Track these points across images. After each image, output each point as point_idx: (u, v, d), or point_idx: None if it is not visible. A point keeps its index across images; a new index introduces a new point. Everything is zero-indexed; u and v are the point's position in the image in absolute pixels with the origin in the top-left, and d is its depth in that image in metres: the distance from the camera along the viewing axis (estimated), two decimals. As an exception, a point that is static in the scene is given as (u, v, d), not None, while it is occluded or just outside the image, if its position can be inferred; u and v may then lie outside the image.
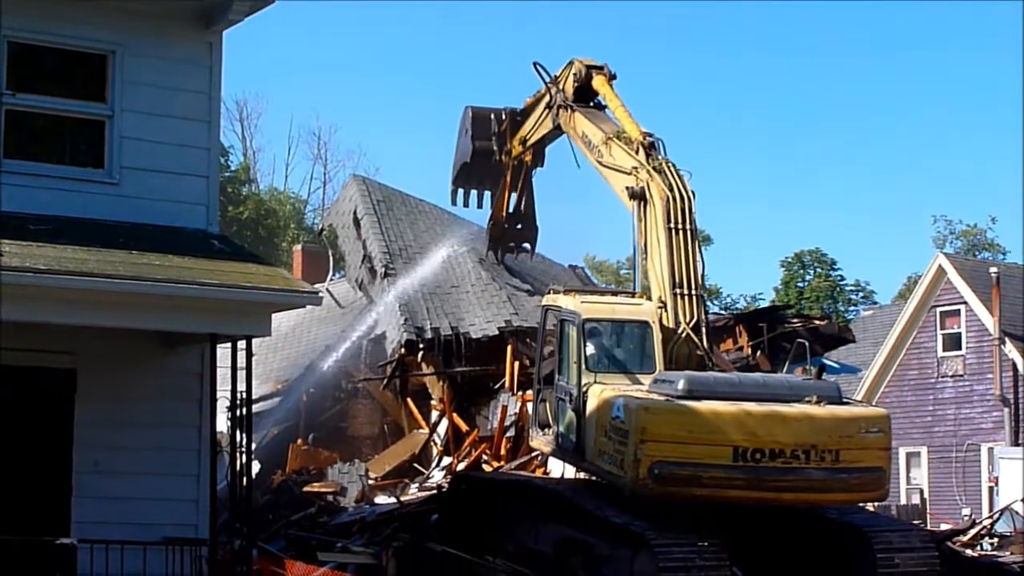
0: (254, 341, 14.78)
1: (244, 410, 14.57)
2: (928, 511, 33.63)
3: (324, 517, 23.04)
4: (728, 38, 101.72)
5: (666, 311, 18.52)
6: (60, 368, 14.50)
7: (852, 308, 67.58)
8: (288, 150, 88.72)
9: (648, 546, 15.92)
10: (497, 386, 27.69)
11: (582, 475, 19.22)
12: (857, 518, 17.65)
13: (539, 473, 23.40)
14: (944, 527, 26.84)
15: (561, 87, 23.48)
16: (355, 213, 32.92)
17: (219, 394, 15.27)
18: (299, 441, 28.50)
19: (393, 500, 23.23)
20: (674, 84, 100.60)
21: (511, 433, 25.65)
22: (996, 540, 24.14)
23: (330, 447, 28.64)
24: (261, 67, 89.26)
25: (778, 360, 28.18)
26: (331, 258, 39.46)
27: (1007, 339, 35.81)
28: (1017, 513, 27.17)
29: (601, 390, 17.49)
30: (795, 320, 32.55)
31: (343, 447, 28.93)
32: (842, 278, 70.04)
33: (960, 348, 37.49)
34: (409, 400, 28.83)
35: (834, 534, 17.39)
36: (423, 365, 28.72)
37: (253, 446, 15.97)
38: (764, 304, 64.97)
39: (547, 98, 24.17)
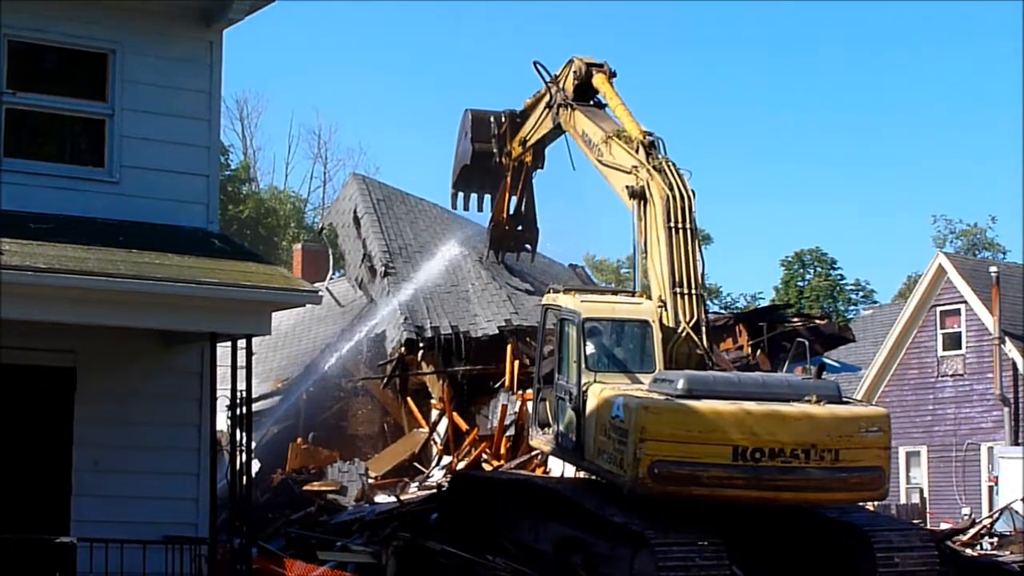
0: (254, 340, 14.79)
1: (244, 409, 14.58)
2: (928, 510, 33.63)
3: (324, 516, 23.03)
4: (728, 37, 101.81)
5: (666, 310, 18.52)
6: (60, 367, 14.51)
7: (852, 307, 67.63)
8: (288, 149, 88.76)
9: (648, 545, 15.94)
10: (497, 385, 27.70)
11: (582, 474, 19.22)
12: (857, 517, 17.66)
13: (539, 472, 23.40)
14: (944, 526, 26.83)
15: (561, 86, 23.49)
16: (355, 212, 32.93)
17: (219, 393, 15.28)
18: (299, 440, 28.50)
19: (393, 499, 23.23)
20: (674, 83, 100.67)
21: (511, 432, 25.65)
22: (996, 539, 24.15)
23: (330, 446, 28.64)
24: (261, 66, 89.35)
25: (778, 359, 28.19)
26: (331, 257, 39.46)
27: (1007, 338, 35.82)
28: (1017, 512, 27.19)
29: (601, 389, 17.49)
30: (795, 319, 32.57)
31: (343, 446, 28.93)
32: (842, 277, 70.10)
33: (960, 347, 37.50)
34: (409, 399, 28.83)
35: (834, 533, 17.40)
36: (423, 364, 28.73)
37: (253, 445, 15.98)
38: (764, 303, 64.99)
39: (547, 98, 24.18)
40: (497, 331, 28.23)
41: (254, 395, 17.39)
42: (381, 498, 24.60)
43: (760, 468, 16.30)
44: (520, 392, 26.15)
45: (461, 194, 29.77)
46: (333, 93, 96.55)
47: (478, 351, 28.23)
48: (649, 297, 19.00)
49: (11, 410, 14.29)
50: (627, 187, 19.87)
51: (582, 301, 18.68)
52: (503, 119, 26.57)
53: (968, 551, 21.80)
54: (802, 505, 17.28)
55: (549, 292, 20.10)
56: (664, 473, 16.18)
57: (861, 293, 70.32)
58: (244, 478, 14.77)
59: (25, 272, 12.75)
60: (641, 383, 17.60)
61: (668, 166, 19.73)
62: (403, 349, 28.46)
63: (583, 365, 17.93)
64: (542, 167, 27.11)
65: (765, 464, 16.31)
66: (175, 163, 15.30)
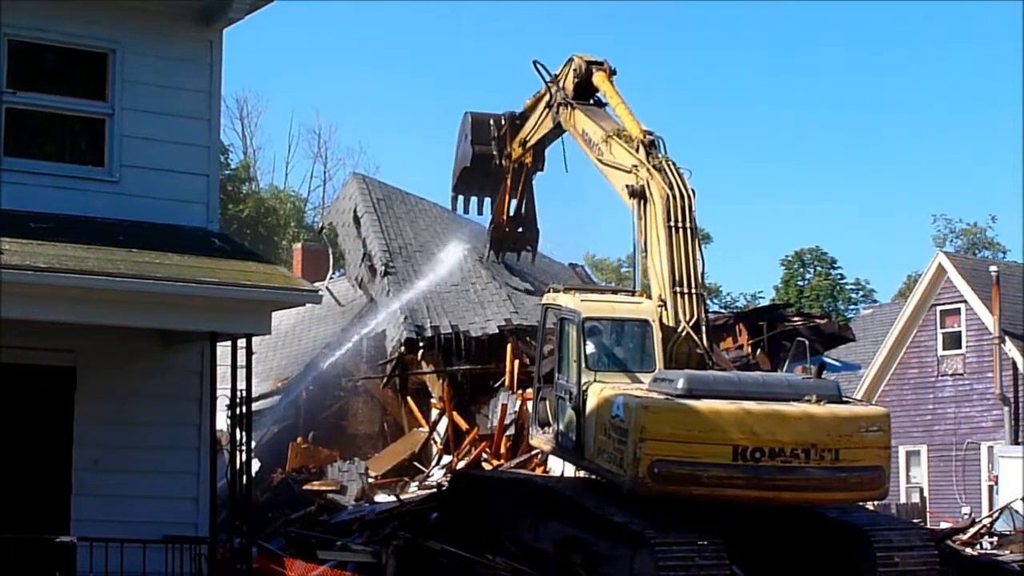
0: (254, 339, 14.79)
1: (244, 408, 14.58)
2: (928, 510, 33.61)
3: (324, 515, 23.04)
4: (728, 37, 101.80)
5: (666, 310, 18.52)
6: (60, 366, 14.51)
7: (852, 307, 67.63)
8: (288, 148, 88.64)
9: (648, 545, 15.93)
10: (497, 384, 27.70)
11: (582, 474, 19.22)
12: (857, 517, 17.66)
13: (539, 472, 23.40)
14: (944, 526, 26.82)
15: (561, 85, 23.48)
16: (355, 211, 32.93)
17: (219, 392, 15.29)
18: (299, 439, 28.51)
19: (393, 498, 23.23)
20: (674, 83, 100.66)
21: (511, 431, 25.66)
22: (996, 539, 24.14)
23: (330, 445, 28.65)
24: (261, 65, 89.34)
25: (778, 359, 28.20)
26: (331, 256, 39.47)
27: (1007, 338, 35.81)
28: (1017, 512, 27.18)
29: (601, 389, 17.49)
30: (795, 318, 32.57)
31: (343, 445, 28.94)
32: (842, 276, 70.09)
33: (960, 347, 37.49)
34: (409, 398, 28.84)
35: (834, 533, 17.40)
36: (423, 363, 28.73)
37: (253, 444, 15.98)
38: (764, 303, 65.00)
39: (547, 97, 24.18)
40: (497, 330, 28.23)
41: (254, 394, 17.38)
42: (381, 497, 24.60)
43: (760, 468, 16.29)
44: (520, 391, 26.15)
45: (461, 197, 29.88)
46: (333, 92, 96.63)
47: (478, 350, 28.24)
48: (649, 296, 19.00)
49: (11, 410, 14.30)
50: (627, 186, 19.87)
51: (582, 300, 18.67)
52: (503, 121, 26.59)
53: (968, 550, 21.80)
54: (802, 505, 17.27)
55: (549, 291, 20.10)
56: (664, 473, 16.17)
57: (861, 292, 70.37)
58: (244, 477, 14.77)
59: (25, 271, 12.75)
60: (641, 382, 17.59)
61: (668, 165, 19.73)
62: (403, 348, 28.47)
63: (583, 364, 17.92)
64: (542, 169, 27.12)
65: (765, 464, 16.31)
66: (175, 162, 15.30)
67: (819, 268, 69.83)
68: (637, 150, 20.17)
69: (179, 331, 14.45)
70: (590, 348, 18.18)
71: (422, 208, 33.71)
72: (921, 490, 36.91)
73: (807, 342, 22.69)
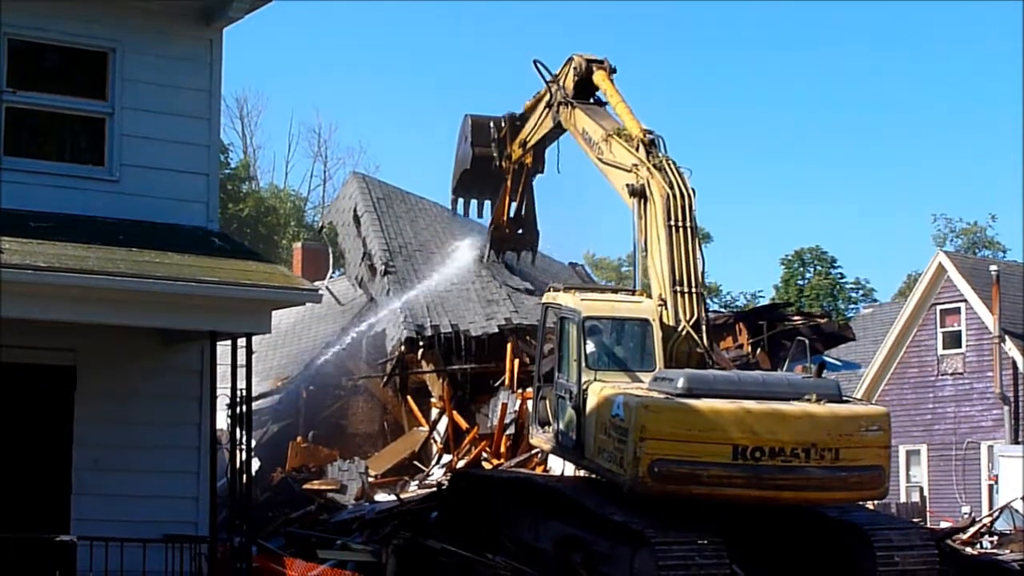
0: (254, 338, 14.79)
1: (244, 407, 14.58)
2: (928, 509, 33.62)
3: (324, 514, 23.04)
4: (728, 37, 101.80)
5: (666, 309, 18.51)
6: (60, 365, 14.51)
7: (852, 306, 67.62)
8: (288, 147, 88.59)
9: (648, 544, 15.93)
10: (497, 384, 27.71)
11: (582, 473, 19.21)
12: (857, 516, 17.65)
13: (539, 471, 23.40)
14: (944, 525, 26.80)
15: (561, 84, 23.49)
16: (355, 211, 32.93)
17: (219, 391, 15.29)
18: (299, 439, 28.52)
19: (393, 498, 23.23)
20: (674, 82, 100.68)
21: (511, 431, 25.66)
22: (996, 538, 24.13)
23: (330, 444, 28.65)
24: (261, 64, 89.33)
25: (778, 358, 28.20)
26: (331, 256, 39.47)
27: (1007, 337, 35.81)
28: (1017, 511, 27.17)
29: (601, 388, 17.48)
30: (796, 317, 32.57)
31: (343, 444, 28.94)
32: (842, 276, 70.09)
33: (960, 346, 37.49)
34: (409, 398, 28.84)
35: (834, 532, 17.39)
36: (423, 363, 28.74)
37: (253, 443, 15.97)
38: (764, 302, 64.98)
39: (547, 97, 24.19)
40: (497, 330, 28.24)
41: (254, 394, 17.38)
42: (381, 496, 24.60)
43: (760, 467, 16.29)
44: (520, 390, 26.16)
45: (461, 200, 29.97)
46: (333, 92, 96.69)
47: (478, 350, 28.25)
48: (649, 296, 18.99)
49: (11, 409, 14.30)
50: (627, 185, 19.87)
51: (582, 300, 18.66)
52: (503, 123, 26.62)
53: (968, 550, 21.79)
54: (802, 504, 17.27)
55: (549, 290, 20.09)
56: (664, 472, 16.16)
57: (861, 292, 70.37)
58: (244, 477, 14.77)
59: (25, 271, 12.75)
60: (641, 382, 17.58)
61: (668, 164, 19.73)
62: (403, 347, 28.48)
63: (583, 364, 17.91)
64: (542, 171, 27.16)
65: (765, 463, 16.30)
66: (175, 162, 15.30)
67: (819, 267, 69.84)
68: (637, 149, 20.17)
69: (179, 330, 14.45)
70: (590, 347, 18.17)
71: (422, 207, 33.72)
72: (921, 489, 36.91)
73: (807, 341, 22.72)
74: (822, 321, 32.60)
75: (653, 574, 15.76)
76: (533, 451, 23.60)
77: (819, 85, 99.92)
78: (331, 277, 38.35)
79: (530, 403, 21.84)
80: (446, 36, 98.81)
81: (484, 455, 25.26)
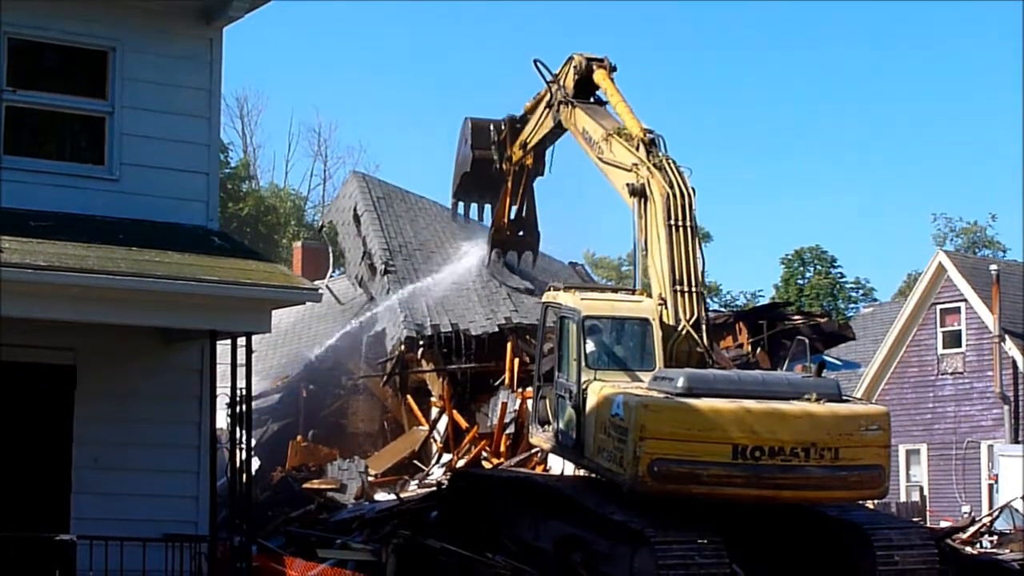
0: (254, 338, 14.79)
1: (244, 406, 14.57)
2: (928, 508, 33.63)
3: (324, 514, 23.04)
4: (727, 35, 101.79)
5: (666, 308, 18.51)
6: (60, 364, 14.51)
7: (852, 305, 67.60)
8: (288, 147, 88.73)
9: (648, 543, 15.93)
10: (497, 383, 27.71)
11: (582, 472, 19.21)
12: (857, 516, 17.65)
13: (539, 470, 23.40)
14: (944, 524, 26.81)
15: (562, 83, 23.49)
16: (355, 210, 32.94)
17: (219, 390, 15.28)
18: (299, 438, 28.53)
19: (393, 497, 23.23)
20: (673, 81, 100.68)
21: (511, 430, 25.67)
22: (996, 537, 24.12)
23: (330, 444, 28.66)
24: (261, 64, 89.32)
25: (778, 357, 28.21)
26: (331, 255, 39.48)
27: (1007, 336, 35.80)
28: (1017, 511, 27.16)
29: (601, 387, 17.47)
30: (796, 317, 32.59)
31: (343, 444, 28.95)
32: (842, 275, 70.08)
33: (960, 345, 37.48)
34: (409, 397, 28.85)
35: (834, 532, 17.39)
36: (423, 362, 28.74)
37: (253, 443, 15.97)
38: (764, 301, 64.99)
39: (547, 98, 24.19)
40: (497, 329, 28.25)
41: (254, 393, 17.38)
42: (381, 496, 24.61)
43: (760, 466, 16.28)
44: (520, 390, 26.17)
45: (462, 203, 30.03)
46: (333, 91, 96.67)
47: (478, 349, 28.26)
48: (649, 295, 18.99)
49: (11, 408, 14.30)
50: (627, 185, 19.87)
51: (582, 299, 18.66)
52: (503, 126, 26.65)
53: (968, 549, 21.79)
54: (802, 503, 17.26)
55: (549, 290, 20.09)
56: (664, 471, 16.16)
57: (861, 291, 70.35)
58: (244, 476, 14.77)
59: (25, 270, 12.75)
60: (641, 381, 17.58)
61: (668, 164, 19.72)
62: (403, 347, 28.48)
63: (583, 363, 17.91)
64: (543, 173, 27.21)
65: (765, 462, 16.30)
66: (175, 161, 15.30)
67: (819, 267, 69.83)
68: (637, 148, 20.17)
69: (179, 329, 14.45)
70: (590, 347, 18.17)
71: (422, 207, 33.73)
72: (921, 489, 36.91)
73: (807, 341, 22.72)
74: (822, 320, 32.64)
75: (653, 573, 15.76)
76: (533, 450, 23.61)
77: (819, 84, 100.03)
78: (331, 276, 38.36)
79: (530, 402, 21.84)
80: (446, 36, 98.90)
81: (484, 454, 25.26)
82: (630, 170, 20.01)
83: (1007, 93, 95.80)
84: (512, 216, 28.37)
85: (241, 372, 14.44)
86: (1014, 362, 35.74)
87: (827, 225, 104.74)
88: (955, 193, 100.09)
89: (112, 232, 14.24)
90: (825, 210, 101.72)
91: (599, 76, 22.85)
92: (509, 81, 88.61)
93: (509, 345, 27.57)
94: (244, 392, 14.52)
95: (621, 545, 16.50)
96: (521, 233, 28.86)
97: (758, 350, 28.90)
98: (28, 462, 14.38)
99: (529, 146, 25.80)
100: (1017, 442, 34.90)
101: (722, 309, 57.11)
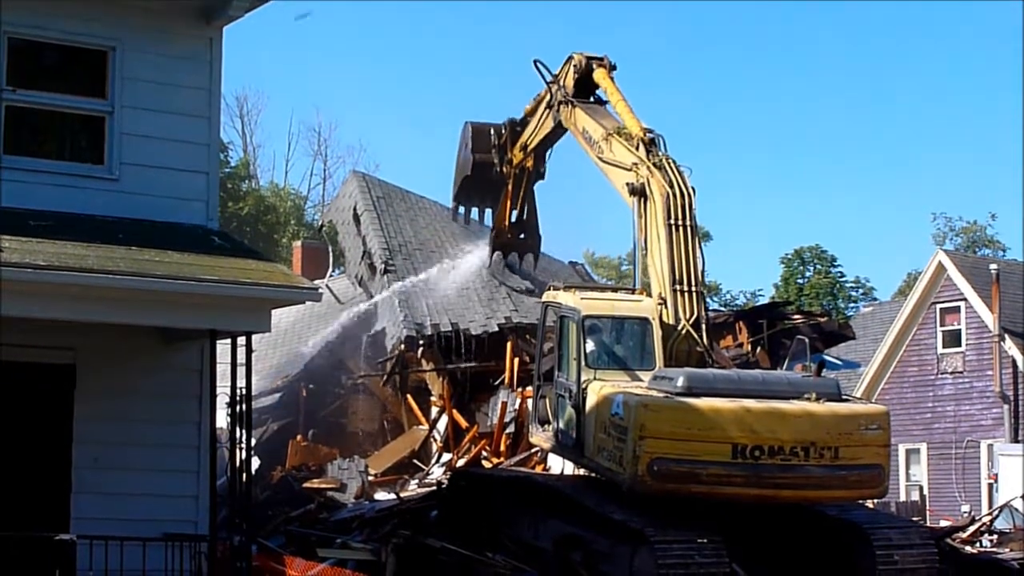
0: (254, 337, 14.79)
1: (244, 406, 14.58)
2: (928, 508, 33.62)
3: (324, 513, 23.05)
4: (727, 34, 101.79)
5: (666, 308, 18.51)
6: (60, 364, 14.51)
7: (852, 305, 67.59)
8: (288, 146, 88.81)
9: (648, 542, 15.93)
10: (497, 382, 27.72)
11: (582, 472, 19.21)
12: (856, 515, 17.65)
13: (539, 469, 23.40)
14: (944, 524, 26.81)
15: (562, 83, 23.50)
16: (355, 209, 32.95)
17: (219, 390, 15.28)
18: (299, 437, 28.54)
19: (393, 496, 23.23)
20: (673, 80, 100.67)
21: (511, 429, 25.68)
22: (995, 537, 24.12)
23: (330, 443, 28.67)
24: (261, 63, 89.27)
25: (778, 357, 28.21)
26: (331, 254, 39.48)
27: (1007, 336, 35.81)
28: (1016, 510, 27.15)
29: (600, 387, 17.47)
30: (796, 316, 32.58)
31: (343, 443, 28.96)
32: (842, 275, 70.06)
33: (960, 345, 37.48)
34: (409, 396, 28.86)
35: (833, 531, 17.39)
36: (423, 361, 28.75)
37: (253, 442, 15.98)
38: (764, 301, 64.99)
39: (547, 98, 24.20)
40: (497, 328, 28.26)
41: (254, 392, 17.38)
42: (381, 495, 24.61)
43: (759, 466, 16.28)
44: (520, 389, 26.17)
45: (462, 207, 30.05)
46: (333, 90, 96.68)
47: (478, 348, 28.27)
48: (649, 294, 18.99)
49: (11, 408, 14.29)
50: (627, 184, 19.88)
51: (582, 298, 18.66)
52: (503, 129, 26.69)
53: (968, 548, 21.78)
54: (801, 503, 17.26)
55: (549, 289, 20.09)
56: (663, 471, 16.16)
57: (861, 290, 70.34)
58: (244, 475, 14.78)
59: (25, 269, 12.75)
60: (641, 380, 17.58)
61: (668, 163, 19.73)
62: (403, 346, 28.49)
63: (583, 362, 17.91)
64: (543, 177, 27.28)
65: (764, 462, 16.30)
66: (175, 160, 15.30)
67: (819, 266, 69.82)
68: (637, 148, 20.17)
69: (179, 329, 14.45)
70: (590, 346, 18.17)
71: (422, 206, 33.75)
72: (921, 488, 36.90)
73: (807, 340, 22.72)
74: (822, 320, 32.64)
75: (652, 573, 15.77)
76: (533, 450, 23.61)
77: (819, 84, 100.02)
78: (331, 276, 38.37)
79: (530, 402, 21.84)
80: (446, 35, 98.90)
81: (484, 454, 25.27)
82: (630, 169, 20.02)
83: (1007, 93, 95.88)
84: (513, 219, 28.39)
85: (241, 371, 14.44)
86: (1014, 361, 35.74)
87: (827, 224, 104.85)
88: (955, 193, 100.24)
89: (112, 232, 14.23)
90: (825, 209, 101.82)
91: (599, 75, 22.85)
92: (509, 81, 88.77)
93: (509, 344, 27.58)
94: (244, 391, 14.53)
95: (621, 544, 16.51)
96: (522, 236, 28.88)
97: (758, 349, 28.91)
98: (28, 462, 14.38)
99: (529, 148, 25.82)
100: (1017, 441, 34.91)
101: (722, 308, 57.10)
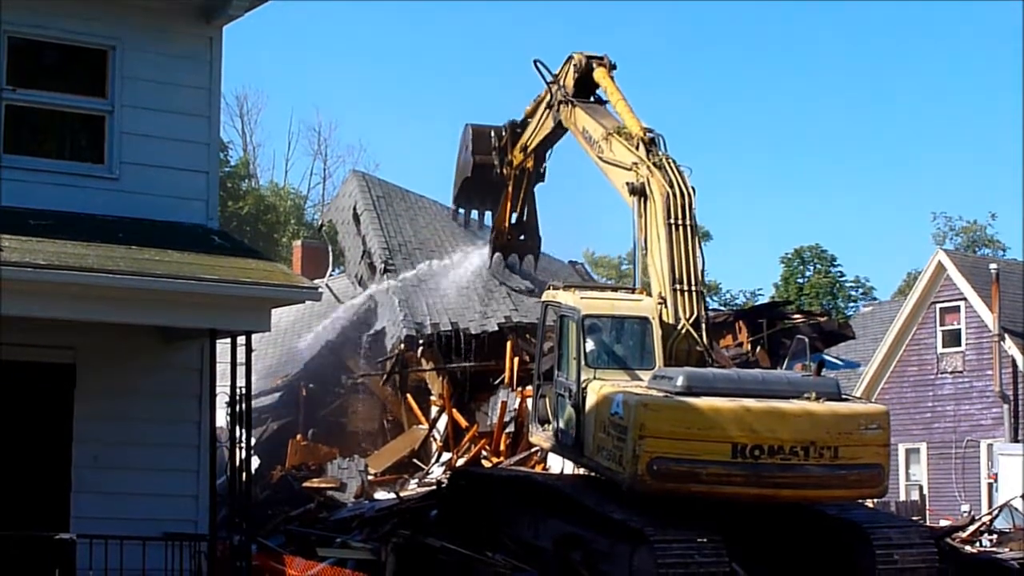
0: (254, 336, 14.78)
1: (243, 405, 14.58)
2: (927, 507, 33.61)
3: (323, 512, 23.04)
4: (727, 33, 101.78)
5: (666, 307, 18.51)
6: (60, 363, 14.52)
7: (852, 304, 67.59)
8: (288, 145, 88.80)
9: (647, 542, 15.93)
10: (497, 382, 27.72)
11: (581, 471, 19.22)
12: (856, 514, 17.65)
13: (538, 469, 23.40)
14: (943, 523, 26.81)
15: (562, 83, 23.51)
16: (355, 209, 32.96)
17: (218, 389, 15.29)
18: (298, 437, 28.54)
19: (392, 496, 23.23)
20: (673, 79, 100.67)
21: (511, 429, 25.67)
22: (995, 536, 24.12)
23: (330, 443, 28.68)
24: (261, 62, 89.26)
25: (778, 356, 28.20)
26: (331, 254, 39.48)
27: (1006, 335, 35.81)
28: (1016, 509, 27.15)
29: (600, 386, 17.47)
30: (796, 316, 32.57)
31: (343, 443, 28.97)
32: (842, 274, 70.07)
33: (960, 344, 37.48)
34: (409, 396, 28.86)
35: (833, 530, 17.39)
36: (423, 361, 28.76)
37: (252, 441, 15.99)
38: (764, 300, 65.00)
39: (547, 98, 24.22)
40: (497, 328, 28.25)
41: (254, 392, 17.39)
42: (381, 495, 24.61)
43: (759, 465, 16.28)
44: (520, 389, 26.17)
45: (462, 210, 30.04)
46: (333, 90, 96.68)
47: (478, 348, 28.27)
48: (649, 294, 18.99)
49: (11, 407, 14.30)
50: (627, 184, 19.88)
51: (582, 298, 18.65)
52: (503, 131, 26.75)
53: (967, 548, 21.78)
54: (801, 502, 17.26)
55: (549, 288, 20.09)
56: (663, 470, 16.16)
57: (861, 290, 70.34)
58: (244, 475, 14.78)
59: (25, 268, 12.75)
60: (641, 380, 17.58)
61: (668, 163, 19.73)
62: (403, 346, 28.50)
63: (583, 362, 17.91)
64: (543, 179, 27.33)
65: (764, 461, 16.30)
66: (175, 159, 15.31)
67: (819, 265, 69.83)
68: (637, 148, 20.18)
69: (179, 328, 14.45)
70: (590, 345, 18.17)
71: (422, 206, 33.75)
72: (920, 488, 36.89)
73: (807, 340, 22.69)
74: (822, 319, 32.60)
75: (652, 572, 15.77)
76: (533, 449, 23.61)
77: (819, 83, 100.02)
78: (331, 275, 38.37)
79: (530, 401, 21.84)
80: (446, 35, 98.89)
81: (484, 453, 25.26)
82: (630, 169, 20.02)
83: (1007, 93, 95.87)
84: (513, 221, 28.41)
85: (241, 371, 14.44)
86: (1013, 361, 35.74)
87: (827, 224, 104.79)
88: (955, 192, 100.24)
89: (112, 231, 14.24)
90: (825, 209, 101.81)
91: (599, 74, 22.86)
92: (510, 81, 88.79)
93: (509, 344, 27.58)
94: (244, 391, 14.53)
95: (621, 544, 16.51)
96: (522, 237, 28.90)
97: (758, 349, 28.89)
98: (28, 461, 14.38)
99: (530, 148, 25.84)
100: (1016, 441, 34.91)
101: (722, 308, 57.11)
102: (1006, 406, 35.78)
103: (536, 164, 26.59)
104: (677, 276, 18.70)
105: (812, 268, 70.01)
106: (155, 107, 15.26)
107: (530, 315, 27.15)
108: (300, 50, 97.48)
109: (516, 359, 27.05)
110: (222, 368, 14.95)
